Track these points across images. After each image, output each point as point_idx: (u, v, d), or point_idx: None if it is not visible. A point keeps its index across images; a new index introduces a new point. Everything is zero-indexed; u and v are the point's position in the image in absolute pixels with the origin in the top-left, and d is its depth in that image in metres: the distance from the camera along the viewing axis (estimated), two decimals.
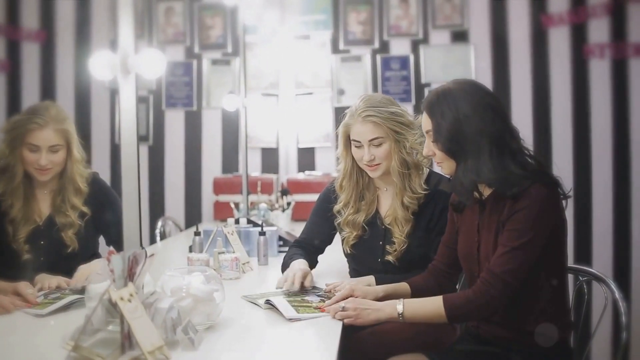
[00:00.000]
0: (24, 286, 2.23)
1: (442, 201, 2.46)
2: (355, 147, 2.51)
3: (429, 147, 2.09)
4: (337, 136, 2.62)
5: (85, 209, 2.71)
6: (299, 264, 2.49)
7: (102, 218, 2.74)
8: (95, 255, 2.80)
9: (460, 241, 2.19)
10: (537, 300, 2.00)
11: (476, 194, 2.06)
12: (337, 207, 2.62)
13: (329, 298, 2.23)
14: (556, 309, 2.03)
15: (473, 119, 1.98)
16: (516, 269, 1.93)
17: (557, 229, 2.00)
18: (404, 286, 2.30)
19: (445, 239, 2.29)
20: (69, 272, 2.51)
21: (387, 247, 2.52)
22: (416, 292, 2.27)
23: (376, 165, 2.49)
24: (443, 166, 2.10)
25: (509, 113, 2.07)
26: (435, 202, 2.51)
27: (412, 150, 2.49)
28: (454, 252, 2.23)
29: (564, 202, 2.02)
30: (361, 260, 2.60)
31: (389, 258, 2.51)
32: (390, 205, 2.57)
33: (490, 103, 2.03)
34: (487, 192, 2.06)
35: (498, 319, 2.03)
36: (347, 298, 2.17)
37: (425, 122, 2.10)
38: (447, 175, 2.54)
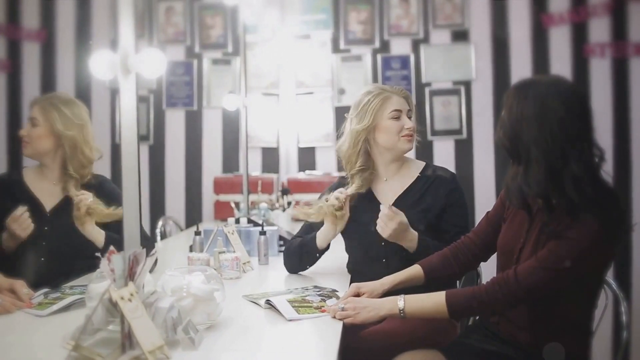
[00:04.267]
0: (20, 285, 2.20)
1: (445, 188, 2.58)
2: (394, 117, 2.60)
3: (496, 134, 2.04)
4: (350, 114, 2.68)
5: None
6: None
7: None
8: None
9: (505, 233, 2.13)
10: (565, 315, 1.96)
11: (526, 202, 1.98)
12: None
13: (330, 297, 2.23)
14: (580, 328, 2.00)
15: (533, 126, 1.88)
16: (536, 288, 1.89)
17: (599, 266, 1.95)
18: (414, 270, 2.27)
19: (491, 216, 2.24)
20: (71, 264, 2.57)
21: None
22: (430, 274, 2.26)
23: (412, 134, 2.62)
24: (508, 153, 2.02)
25: (592, 131, 1.92)
26: (437, 188, 2.59)
27: None
28: (493, 232, 2.18)
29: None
30: (362, 247, 2.63)
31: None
32: (392, 192, 2.64)
33: (562, 118, 1.87)
34: (540, 203, 1.96)
35: (521, 322, 2.01)
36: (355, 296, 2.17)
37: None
38: (441, 166, 2.66)
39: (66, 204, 2.73)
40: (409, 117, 2.62)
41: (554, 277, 1.87)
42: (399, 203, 2.60)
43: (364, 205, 2.63)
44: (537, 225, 1.98)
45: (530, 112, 1.89)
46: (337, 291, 2.33)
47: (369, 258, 2.56)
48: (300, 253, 2.65)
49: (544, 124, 1.87)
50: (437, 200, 2.57)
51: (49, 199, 2.78)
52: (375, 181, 2.68)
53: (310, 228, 2.73)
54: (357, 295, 2.17)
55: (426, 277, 2.26)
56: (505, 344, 2.04)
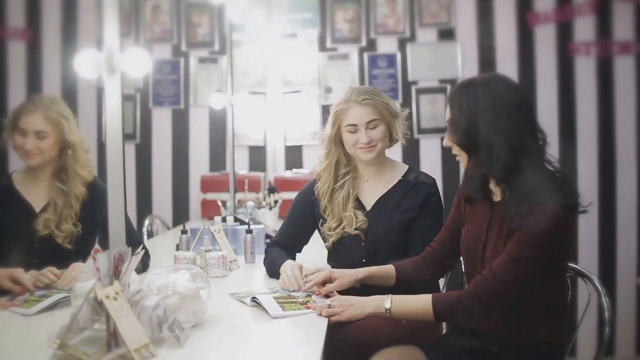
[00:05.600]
0: (20, 273, 2.26)
1: (424, 192, 2.60)
2: (350, 132, 2.59)
3: (448, 138, 2.07)
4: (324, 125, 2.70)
5: (85, 194, 2.74)
6: (289, 265, 2.51)
7: (97, 212, 2.75)
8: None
9: (466, 234, 2.17)
10: (535, 307, 2.00)
11: (487, 191, 2.04)
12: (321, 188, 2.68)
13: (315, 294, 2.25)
14: (553, 316, 2.04)
15: (490, 113, 1.94)
16: (513, 281, 1.93)
17: (564, 248, 2.00)
18: (388, 268, 2.33)
19: (449, 223, 2.29)
20: (61, 264, 2.51)
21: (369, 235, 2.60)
22: (402, 275, 2.30)
23: (373, 146, 2.58)
24: (460, 159, 2.08)
25: (534, 113, 2.04)
26: (417, 192, 2.60)
27: (395, 139, 2.65)
28: (453, 239, 2.23)
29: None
30: (343, 248, 2.65)
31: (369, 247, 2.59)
32: (373, 193, 2.66)
33: (512, 99, 1.97)
34: (499, 195, 2.02)
35: (493, 317, 2.04)
36: (325, 282, 2.22)
37: (447, 112, 2.07)
38: (427, 174, 2.66)
39: (55, 202, 2.72)
40: (373, 128, 2.57)
41: (528, 265, 1.92)
42: (378, 206, 2.64)
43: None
44: (497, 220, 2.03)
45: (484, 103, 1.97)
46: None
47: (350, 259, 2.57)
48: (273, 272, 2.63)
49: (501, 110, 1.95)
50: (415, 204, 2.59)
51: (38, 199, 2.75)
52: (357, 181, 2.69)
53: (293, 226, 2.75)
54: (330, 280, 2.23)
55: (397, 277, 2.32)
56: (484, 340, 2.07)
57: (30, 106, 2.68)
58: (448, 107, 2.07)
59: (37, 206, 2.74)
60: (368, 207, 2.65)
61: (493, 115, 1.95)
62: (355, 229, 2.60)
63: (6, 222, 2.69)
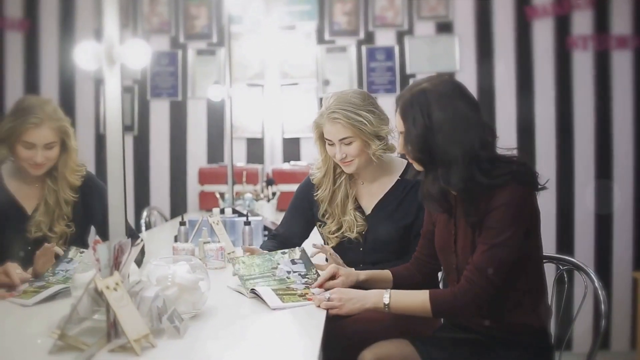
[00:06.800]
0: (12, 267, 2.25)
1: None
2: (329, 144, 2.56)
3: (402, 148, 2.07)
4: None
5: (74, 197, 2.70)
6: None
7: (92, 209, 2.74)
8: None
9: (437, 233, 2.19)
10: (515, 291, 2.02)
11: (448, 202, 2.06)
12: (320, 195, 2.66)
13: (315, 281, 2.25)
14: (534, 298, 2.07)
15: (445, 128, 1.94)
16: (498, 266, 1.95)
17: (533, 222, 2.02)
18: (385, 273, 2.34)
19: (424, 230, 2.31)
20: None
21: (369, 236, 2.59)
22: (398, 280, 2.32)
23: (349, 161, 2.54)
24: (414, 165, 2.09)
25: (482, 115, 2.03)
26: (415, 193, 2.52)
27: (376, 154, 2.53)
28: (432, 244, 2.24)
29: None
30: (341, 251, 2.63)
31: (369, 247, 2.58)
32: (372, 196, 2.63)
33: (464, 111, 1.97)
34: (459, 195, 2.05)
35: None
36: (332, 277, 2.22)
37: (398, 122, 2.06)
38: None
39: (46, 203, 2.68)
40: (348, 144, 2.50)
41: (508, 247, 1.94)
42: (378, 210, 2.61)
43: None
44: (461, 214, 2.05)
45: (439, 116, 1.95)
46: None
47: (348, 262, 2.56)
48: None
49: (456, 124, 1.95)
50: (413, 207, 2.55)
51: (28, 200, 2.70)
52: (354, 184, 2.67)
53: (291, 221, 2.75)
54: (334, 277, 2.23)
55: (394, 282, 2.33)
56: (473, 332, 2.10)
57: (35, 119, 2.56)
58: (399, 116, 2.05)
59: (29, 207, 2.69)
60: (367, 211, 2.62)
61: (448, 130, 1.94)
62: (355, 233, 2.59)
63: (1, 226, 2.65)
